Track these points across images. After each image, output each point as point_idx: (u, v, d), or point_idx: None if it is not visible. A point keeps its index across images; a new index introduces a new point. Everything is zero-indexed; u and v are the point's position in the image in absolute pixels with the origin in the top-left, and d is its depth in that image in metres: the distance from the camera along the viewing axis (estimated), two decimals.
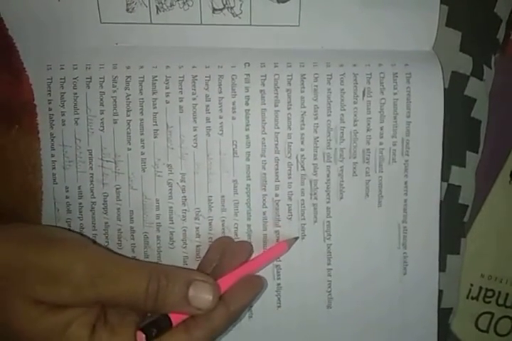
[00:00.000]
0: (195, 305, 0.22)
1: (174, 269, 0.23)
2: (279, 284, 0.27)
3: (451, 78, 0.28)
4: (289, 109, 0.26)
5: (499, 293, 0.34)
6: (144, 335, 0.21)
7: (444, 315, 0.30)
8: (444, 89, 0.27)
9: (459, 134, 0.28)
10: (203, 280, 0.22)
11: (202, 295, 0.22)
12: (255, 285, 0.24)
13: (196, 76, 0.26)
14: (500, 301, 0.34)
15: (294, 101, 0.26)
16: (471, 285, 0.34)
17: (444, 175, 0.28)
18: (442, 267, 0.29)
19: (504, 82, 0.32)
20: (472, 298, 0.34)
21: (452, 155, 0.28)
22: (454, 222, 0.29)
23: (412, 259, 0.27)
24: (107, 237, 0.26)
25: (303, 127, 0.26)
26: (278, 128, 0.26)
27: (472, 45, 0.28)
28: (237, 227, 0.27)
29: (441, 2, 0.26)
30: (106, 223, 0.26)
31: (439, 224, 0.28)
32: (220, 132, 0.26)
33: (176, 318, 0.22)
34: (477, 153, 0.30)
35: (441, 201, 0.28)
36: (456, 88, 0.28)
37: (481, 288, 0.34)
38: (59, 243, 0.22)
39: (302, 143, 0.26)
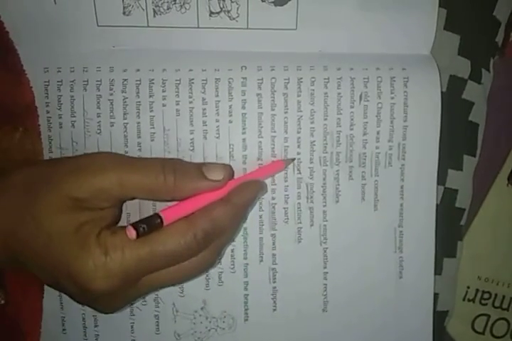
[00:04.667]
0: (212, 178, 0.22)
1: (184, 161, 0.24)
2: (274, 287, 0.27)
3: (449, 82, 0.27)
4: (285, 112, 0.26)
5: (495, 295, 0.33)
6: (134, 231, 0.21)
7: (440, 317, 0.30)
8: (442, 92, 0.26)
9: (456, 138, 0.28)
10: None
11: (215, 169, 0.23)
12: (256, 184, 0.24)
13: (193, 79, 0.25)
14: (497, 303, 0.34)
15: (291, 104, 0.26)
16: (468, 287, 0.33)
17: (441, 179, 0.27)
18: (438, 270, 0.29)
19: (503, 84, 0.31)
20: (469, 300, 0.34)
21: (449, 158, 0.28)
22: (451, 226, 0.29)
23: (408, 263, 0.27)
24: None
25: (299, 131, 0.26)
26: (274, 131, 0.26)
27: (471, 49, 0.27)
28: None
29: (440, 5, 0.26)
30: None
31: (436, 227, 0.27)
32: (217, 135, 0.26)
33: (168, 218, 0.21)
34: (475, 156, 0.29)
35: (437, 204, 0.27)
36: (454, 92, 0.27)
37: (477, 290, 0.34)
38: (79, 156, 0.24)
39: (299, 146, 0.26)
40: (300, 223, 0.26)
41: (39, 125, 0.26)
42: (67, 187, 0.22)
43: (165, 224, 0.21)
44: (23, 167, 0.23)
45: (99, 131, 0.26)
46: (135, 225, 0.21)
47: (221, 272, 0.26)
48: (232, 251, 0.26)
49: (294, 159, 0.26)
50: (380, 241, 0.27)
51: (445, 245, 0.28)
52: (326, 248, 0.27)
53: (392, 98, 0.26)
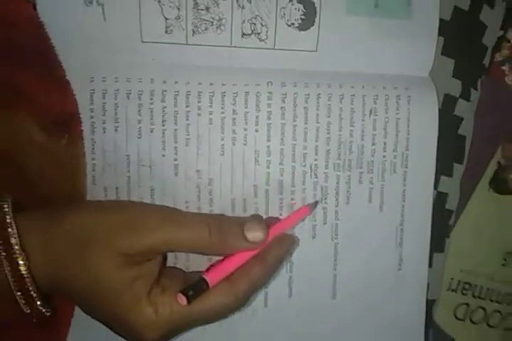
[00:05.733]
0: (251, 240, 0.25)
1: (225, 216, 0.27)
2: (290, 277, 0.30)
3: (444, 100, 0.31)
4: (305, 123, 0.29)
5: (475, 286, 0.38)
6: (185, 299, 0.24)
7: (428, 305, 0.34)
8: (440, 111, 0.31)
9: (447, 148, 0.32)
10: (251, 219, 0.26)
11: (255, 229, 0.25)
12: (288, 240, 0.27)
13: (225, 92, 0.29)
14: (476, 293, 0.38)
15: (310, 117, 0.29)
16: (452, 279, 0.38)
17: (434, 184, 0.32)
18: (430, 264, 0.33)
19: (488, 101, 0.35)
20: (452, 291, 0.38)
21: (441, 166, 0.32)
22: (441, 225, 0.33)
23: (406, 257, 0.31)
24: None
25: (317, 140, 0.29)
26: (295, 140, 0.29)
27: (462, 71, 0.32)
28: None
29: (439, 34, 0.30)
30: None
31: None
32: (244, 142, 0.29)
33: (212, 281, 0.24)
34: (462, 164, 0.33)
35: (433, 206, 0.31)
36: (447, 109, 0.31)
37: (459, 281, 0.38)
38: (129, 202, 0.27)
39: (316, 154, 0.29)
40: (315, 221, 0.30)
41: (82, 130, 0.29)
42: (119, 246, 0.24)
43: (210, 286, 0.24)
44: (72, 213, 0.25)
45: (139, 136, 0.29)
46: (184, 292, 0.24)
47: None
48: None
49: (317, 202, 0.29)
50: (383, 237, 0.31)
51: (435, 241, 0.32)
52: (337, 243, 0.30)
53: (397, 113, 0.30)
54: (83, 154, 0.29)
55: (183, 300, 0.24)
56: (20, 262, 0.23)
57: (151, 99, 0.28)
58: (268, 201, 0.29)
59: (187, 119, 0.29)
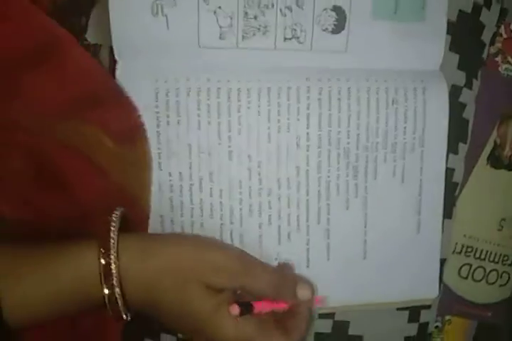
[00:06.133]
0: (299, 297, 0.32)
1: (286, 274, 0.34)
2: (328, 243, 0.36)
3: (451, 89, 0.37)
4: (338, 112, 0.34)
5: (476, 249, 0.44)
6: (238, 309, 0.30)
7: (440, 264, 0.40)
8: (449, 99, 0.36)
9: (453, 130, 0.37)
10: (303, 280, 0.34)
11: (305, 290, 0.32)
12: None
13: (270, 88, 0.34)
14: (477, 255, 0.44)
15: (342, 107, 0.34)
16: (456, 243, 0.43)
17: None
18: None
19: (485, 88, 0.41)
20: (457, 253, 0.44)
21: (449, 145, 0.37)
22: (449, 195, 0.39)
23: (424, 223, 0.37)
24: (201, 210, 0.34)
25: (349, 126, 0.35)
26: (330, 127, 0.34)
27: (466, 64, 0.37)
28: (298, 202, 0.35)
29: (447, 33, 0.35)
30: (201, 199, 0.34)
31: None
32: (288, 130, 0.34)
33: (256, 309, 0.31)
34: (466, 143, 0.39)
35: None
36: (454, 96, 0.37)
37: (463, 245, 0.44)
38: (217, 245, 0.33)
39: (348, 138, 0.35)
40: (348, 195, 0.35)
41: (145, 130, 0.33)
42: (212, 282, 0.30)
43: (254, 312, 0.31)
44: (171, 246, 0.30)
45: (199, 128, 0.33)
46: (239, 305, 0.30)
47: (289, 232, 0.35)
48: (297, 216, 0.35)
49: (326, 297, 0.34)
50: (404, 206, 0.36)
51: (445, 209, 0.38)
52: (366, 213, 0.36)
53: (415, 102, 0.35)
54: (149, 151, 0.33)
55: (235, 310, 0.30)
56: (117, 289, 0.28)
57: (208, 95, 0.33)
58: (308, 180, 0.35)
59: (238, 112, 0.34)
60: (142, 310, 0.30)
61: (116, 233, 0.28)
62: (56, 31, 0.31)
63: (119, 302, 0.28)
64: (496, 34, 0.41)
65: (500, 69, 0.43)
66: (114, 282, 0.27)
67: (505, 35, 0.42)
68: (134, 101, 0.32)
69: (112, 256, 0.28)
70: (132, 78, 0.32)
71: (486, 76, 0.41)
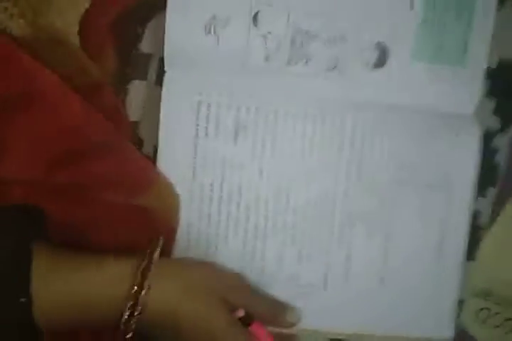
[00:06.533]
0: (289, 320, 0.34)
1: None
2: (347, 268, 0.36)
3: (485, 134, 0.37)
4: (371, 144, 0.36)
5: (496, 294, 0.43)
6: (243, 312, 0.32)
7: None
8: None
9: (483, 173, 0.38)
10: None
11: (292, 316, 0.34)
12: None
13: (307, 114, 0.35)
14: (497, 300, 0.43)
15: (376, 139, 0.36)
16: (476, 286, 0.42)
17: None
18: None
19: None
20: (476, 296, 0.43)
21: (478, 188, 0.37)
22: (473, 238, 0.38)
23: (444, 262, 0.37)
24: (227, 223, 0.35)
25: (381, 158, 0.36)
26: (362, 157, 0.35)
27: (502, 110, 0.38)
28: (322, 224, 0.36)
29: (485, 78, 0.36)
30: (228, 212, 0.35)
31: None
32: (319, 155, 0.35)
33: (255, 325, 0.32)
34: (495, 187, 0.39)
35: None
36: (487, 141, 0.37)
37: (483, 288, 0.43)
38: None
39: (378, 169, 0.36)
40: (372, 225, 0.36)
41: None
42: (230, 301, 0.32)
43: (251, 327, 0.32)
44: (189, 268, 0.32)
45: (234, 143, 0.35)
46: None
47: (310, 253, 0.36)
48: (320, 238, 0.36)
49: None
50: (426, 243, 0.37)
51: (468, 251, 0.38)
52: (387, 246, 0.36)
53: (446, 144, 0.36)
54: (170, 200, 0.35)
55: (241, 312, 0.32)
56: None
57: (247, 113, 0.35)
58: (335, 205, 0.36)
59: (274, 133, 0.35)
60: (160, 333, 0.31)
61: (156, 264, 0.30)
62: (37, 83, 0.30)
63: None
64: None
65: None
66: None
67: None
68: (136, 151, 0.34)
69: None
70: (178, 89, 0.35)
71: None
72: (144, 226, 0.33)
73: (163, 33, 0.34)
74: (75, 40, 0.33)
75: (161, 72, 0.35)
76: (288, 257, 0.36)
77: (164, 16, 0.34)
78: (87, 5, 0.32)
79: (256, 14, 0.34)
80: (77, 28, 0.33)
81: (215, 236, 0.36)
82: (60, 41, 0.32)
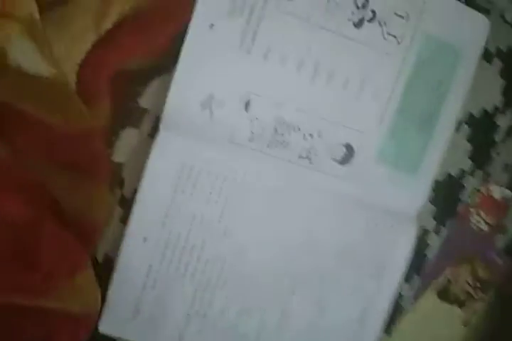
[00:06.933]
0: None
1: None
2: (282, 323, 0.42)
3: (422, 232, 0.43)
4: (326, 226, 0.41)
5: None
6: None
7: None
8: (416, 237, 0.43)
9: (413, 263, 0.43)
10: None
11: None
12: None
13: (276, 190, 0.40)
14: None
15: (331, 223, 0.41)
16: None
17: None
18: None
19: (451, 233, 0.47)
20: None
21: (405, 274, 0.43)
22: (394, 315, 0.44)
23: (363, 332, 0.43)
24: (185, 271, 0.39)
25: (330, 238, 0.41)
26: (312, 232, 0.41)
27: (439, 215, 0.44)
28: (265, 286, 0.41)
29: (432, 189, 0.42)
30: (187, 261, 0.39)
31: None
32: (282, 227, 0.40)
33: None
34: (419, 275, 0.45)
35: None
36: (422, 237, 0.44)
37: None
38: None
39: (324, 246, 0.41)
40: (310, 291, 0.41)
41: None
42: None
43: None
44: None
45: (206, 203, 0.39)
46: None
47: (250, 308, 0.41)
48: (259, 295, 0.41)
49: None
50: (352, 313, 0.42)
51: (387, 326, 0.44)
52: (319, 312, 0.42)
53: (387, 238, 0.42)
54: None
55: None
56: None
57: (224, 180, 0.39)
58: (285, 269, 0.41)
59: (247, 203, 0.40)
60: None
61: None
62: None
63: None
64: (477, 190, 0.48)
65: (471, 218, 0.49)
66: None
67: (484, 193, 0.49)
68: None
69: None
70: (168, 148, 0.39)
71: (456, 224, 0.47)
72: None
73: (165, 95, 0.38)
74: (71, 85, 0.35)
75: (154, 127, 0.39)
76: (231, 309, 0.41)
77: (168, 79, 0.38)
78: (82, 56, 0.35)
79: (248, 102, 0.39)
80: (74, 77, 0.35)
81: (172, 281, 0.40)
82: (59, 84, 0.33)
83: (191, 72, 0.38)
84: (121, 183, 0.40)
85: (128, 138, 0.40)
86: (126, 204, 0.40)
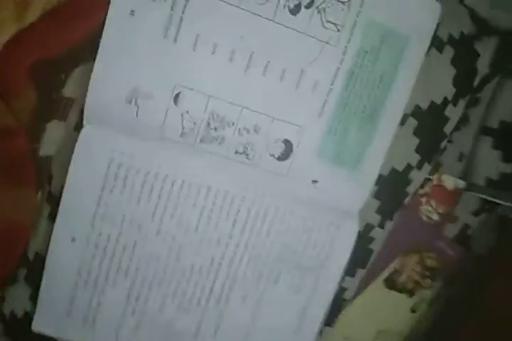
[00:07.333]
0: None
1: None
2: (220, 321, 0.41)
3: (365, 226, 0.42)
4: (262, 225, 0.39)
5: None
6: None
7: None
8: (359, 231, 0.41)
9: (357, 257, 0.42)
10: None
11: None
12: None
13: (211, 187, 0.38)
14: None
15: (267, 221, 0.39)
16: None
17: (339, 282, 0.42)
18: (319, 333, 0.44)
19: (398, 225, 0.46)
20: None
21: (349, 270, 0.42)
22: (337, 307, 0.44)
23: (303, 328, 0.42)
24: (117, 272, 0.38)
25: (267, 238, 0.39)
26: (251, 234, 0.39)
27: (383, 210, 0.42)
28: (203, 287, 0.39)
29: (375, 184, 0.40)
30: (119, 263, 0.38)
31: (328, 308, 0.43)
32: (215, 226, 0.38)
33: None
34: (364, 269, 0.44)
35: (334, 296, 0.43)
36: (365, 232, 0.42)
37: None
38: None
39: (263, 247, 0.39)
40: (248, 291, 0.40)
41: None
42: None
43: None
44: None
45: (137, 203, 0.37)
46: None
47: (187, 308, 0.40)
48: (199, 298, 0.40)
49: None
50: (291, 311, 0.41)
51: (329, 318, 0.43)
52: (257, 311, 0.41)
53: (326, 235, 0.40)
54: None
55: None
56: None
57: (155, 178, 0.37)
58: (218, 271, 0.39)
59: (177, 200, 0.38)
60: None
61: None
62: None
63: None
64: (427, 180, 0.47)
65: (421, 208, 0.48)
66: None
67: (435, 182, 0.47)
68: None
69: None
70: (92, 144, 0.36)
71: (404, 214, 0.46)
72: None
73: (87, 83, 0.35)
74: None
75: (80, 121, 0.36)
76: (168, 306, 0.40)
77: (90, 66, 0.35)
78: None
79: (177, 95, 0.36)
80: None
81: (104, 280, 0.39)
82: None
83: (112, 63, 0.34)
84: (49, 178, 0.38)
85: (54, 131, 0.37)
86: (54, 201, 0.38)
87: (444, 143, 0.42)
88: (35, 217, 0.38)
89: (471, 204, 0.47)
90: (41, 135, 0.37)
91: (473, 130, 0.46)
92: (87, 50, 0.35)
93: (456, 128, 0.44)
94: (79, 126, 0.36)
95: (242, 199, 0.39)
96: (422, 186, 0.46)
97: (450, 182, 0.47)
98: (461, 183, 0.47)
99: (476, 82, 0.42)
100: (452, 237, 0.49)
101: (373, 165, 0.39)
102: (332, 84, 0.37)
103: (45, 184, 0.38)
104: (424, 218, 0.48)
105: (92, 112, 0.36)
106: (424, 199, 0.48)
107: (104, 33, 0.34)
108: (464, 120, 0.45)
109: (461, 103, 0.42)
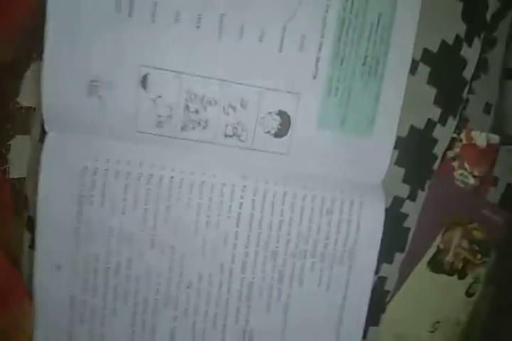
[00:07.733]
0: None
1: None
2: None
3: (393, 201, 0.36)
4: (271, 216, 0.33)
5: None
6: None
7: None
8: (386, 208, 0.35)
9: (391, 240, 0.36)
10: None
11: None
12: None
13: (204, 182, 0.32)
14: None
15: (276, 210, 0.33)
16: None
17: (376, 270, 0.36)
18: (364, 335, 0.37)
19: (433, 197, 0.40)
20: None
21: (384, 255, 0.36)
22: (378, 303, 0.38)
23: (344, 332, 0.35)
24: (115, 295, 0.32)
25: (279, 230, 0.33)
26: (260, 229, 0.33)
27: (411, 178, 0.36)
28: (217, 299, 0.33)
29: (394, 147, 0.34)
30: (116, 284, 0.32)
31: (369, 304, 0.36)
32: (216, 226, 0.33)
33: None
34: (403, 252, 0.38)
35: (373, 288, 0.36)
36: (396, 207, 0.36)
37: None
38: None
39: (277, 242, 0.33)
40: (270, 298, 0.34)
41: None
42: None
43: None
44: None
45: (123, 212, 0.32)
46: None
47: (204, 328, 0.34)
48: (215, 314, 0.34)
49: None
50: (326, 314, 0.35)
51: (372, 317, 0.37)
52: (286, 319, 0.34)
53: (350, 215, 0.34)
54: None
55: None
56: None
57: (138, 180, 0.32)
58: (231, 279, 0.33)
59: (168, 201, 0.32)
60: None
61: None
62: None
63: None
64: (455, 139, 0.40)
65: (455, 174, 0.42)
66: None
67: (465, 141, 0.41)
68: None
69: None
70: (60, 153, 0.31)
71: (437, 183, 0.40)
72: None
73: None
74: None
75: (43, 131, 0.31)
76: (180, 332, 0.33)
77: (41, 68, 0.30)
78: None
79: (144, 77, 0.30)
80: None
81: (102, 309, 0.33)
82: None
83: (63, 51, 0.29)
84: (25, 202, 0.33)
85: (19, 147, 0.33)
86: (33, 226, 0.32)
87: (466, 91, 0.36)
88: (17, 249, 0.34)
89: (510, 160, 0.41)
90: (7, 154, 0.33)
91: (495, 75, 0.40)
92: (33, 48, 0.31)
93: (476, 76, 0.38)
94: (43, 137, 0.31)
95: (243, 189, 0.33)
96: (450, 147, 0.40)
97: (481, 138, 0.41)
98: (495, 138, 0.41)
99: (488, 17, 0.36)
100: (497, 202, 0.42)
101: (388, 126, 0.33)
102: (322, 37, 0.31)
103: (22, 209, 0.33)
104: (461, 184, 0.42)
105: (52, 117, 0.30)
106: (456, 163, 0.42)
107: (47, 20, 0.29)
108: (482, 65, 0.39)
109: (477, 42, 0.36)
